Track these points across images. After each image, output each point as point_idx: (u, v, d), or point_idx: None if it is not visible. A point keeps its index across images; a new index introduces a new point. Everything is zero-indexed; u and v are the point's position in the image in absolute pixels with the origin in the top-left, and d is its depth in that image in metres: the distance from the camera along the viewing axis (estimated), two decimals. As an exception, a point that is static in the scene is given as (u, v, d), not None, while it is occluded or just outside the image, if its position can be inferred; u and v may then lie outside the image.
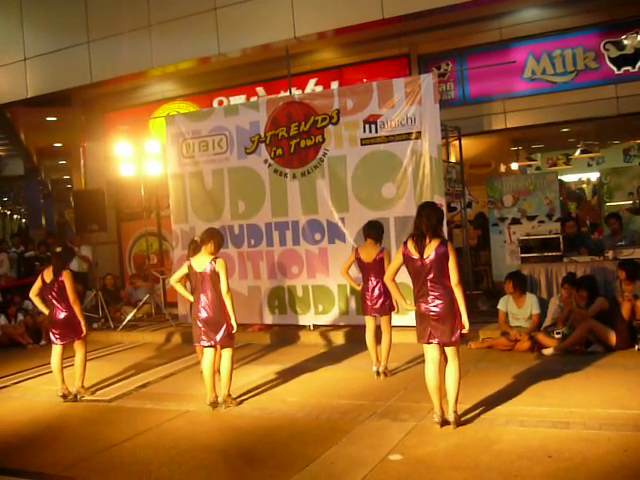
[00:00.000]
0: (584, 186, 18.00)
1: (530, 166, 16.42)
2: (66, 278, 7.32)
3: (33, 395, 7.83)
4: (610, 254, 8.80)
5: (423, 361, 5.66)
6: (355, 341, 8.78)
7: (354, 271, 7.68)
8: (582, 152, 15.57)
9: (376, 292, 7.27)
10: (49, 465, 5.38)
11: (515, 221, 10.89)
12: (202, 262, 6.55)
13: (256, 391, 7.12)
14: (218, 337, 6.49)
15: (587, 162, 17.59)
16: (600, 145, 16.21)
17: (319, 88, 12.06)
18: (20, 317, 11.44)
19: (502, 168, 14.57)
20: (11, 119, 16.11)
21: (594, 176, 16.83)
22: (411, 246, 5.43)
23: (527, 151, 16.16)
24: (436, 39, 11.36)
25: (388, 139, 9.25)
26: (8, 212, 46.53)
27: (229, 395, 6.62)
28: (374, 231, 7.40)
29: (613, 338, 7.63)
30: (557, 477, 4.36)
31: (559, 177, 12.19)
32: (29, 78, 13.07)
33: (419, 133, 9.03)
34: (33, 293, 7.52)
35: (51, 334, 7.48)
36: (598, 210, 11.93)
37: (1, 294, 12.45)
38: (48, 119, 16.19)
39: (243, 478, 4.84)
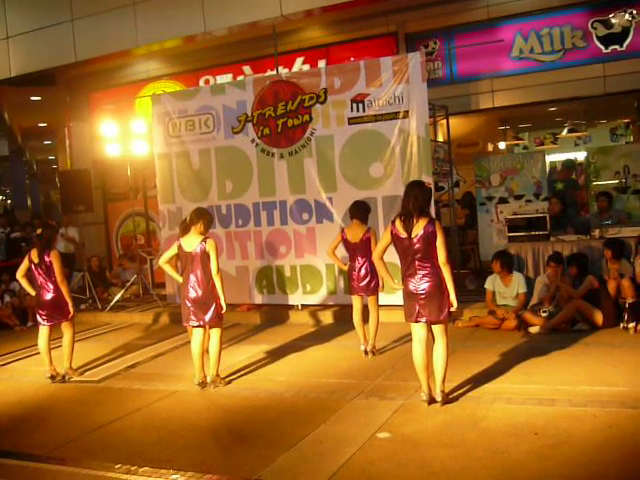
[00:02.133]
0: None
1: (517, 145, 16.41)
2: (54, 258, 7.27)
3: (21, 376, 7.82)
4: (597, 233, 8.84)
5: (410, 340, 5.69)
6: (343, 320, 8.81)
7: (341, 251, 7.69)
8: (569, 131, 15.56)
9: (363, 272, 7.28)
10: (38, 446, 5.38)
11: (502, 200, 10.92)
12: (192, 242, 6.53)
13: (245, 371, 7.14)
14: (207, 317, 6.49)
15: (574, 141, 17.58)
16: (587, 124, 16.21)
17: (306, 67, 11.98)
18: (7, 299, 11.39)
19: (490, 147, 14.57)
20: (-6, 99, 15.95)
21: (581, 155, 16.85)
22: (399, 225, 5.44)
23: (514, 130, 16.14)
24: (424, 17, 11.29)
25: (376, 118, 9.22)
26: (-7, 193, 46.15)
27: (218, 375, 6.63)
28: (360, 211, 7.39)
29: (600, 317, 7.69)
30: (543, 454, 4.41)
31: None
32: (12, 57, 12.91)
33: (407, 112, 9.00)
34: (20, 274, 7.47)
35: (38, 315, 7.45)
36: (584, 189, 11.98)
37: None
38: (32, 99, 16.03)
39: (232, 457, 4.86)
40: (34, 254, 7.36)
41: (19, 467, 5.00)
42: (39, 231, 7.54)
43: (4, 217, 16.27)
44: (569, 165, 13.64)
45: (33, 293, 7.48)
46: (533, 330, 7.82)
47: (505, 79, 10.95)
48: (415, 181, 5.94)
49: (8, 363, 8.58)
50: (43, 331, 7.41)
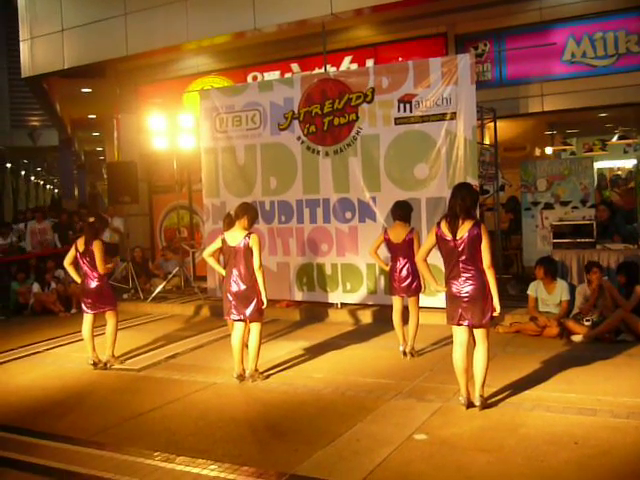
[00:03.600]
0: (619, 172, 17.71)
1: (565, 151, 16.18)
2: (95, 247, 7.39)
3: (65, 362, 7.99)
4: (645, 242, 8.67)
5: (450, 343, 5.66)
6: (383, 320, 8.79)
7: (383, 251, 7.67)
8: (619, 138, 15.27)
9: (404, 272, 7.25)
10: (79, 430, 5.49)
11: (548, 206, 10.74)
12: (236, 237, 6.60)
13: (283, 366, 7.18)
14: (248, 311, 6.54)
15: (623, 148, 17.24)
16: (638, 131, 15.90)
17: (354, 66, 11.97)
18: (52, 285, 11.64)
19: (537, 152, 14.38)
20: (47, 90, 16.28)
21: (630, 163, 16.54)
22: (444, 227, 5.41)
23: (562, 135, 15.91)
24: (474, 19, 11.18)
25: (422, 119, 9.16)
26: (41, 182, 47.23)
27: (256, 369, 6.69)
28: (402, 212, 7.34)
29: (645, 329, 7.52)
30: (583, 463, 4.35)
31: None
32: (66, 49, 13.20)
33: (454, 114, 8.93)
34: (67, 262, 7.63)
35: (83, 303, 7.60)
36: (633, 197, 11.72)
37: (36, 262, 12.66)
38: (83, 90, 16.34)
39: (268, 450, 4.89)
40: (80, 243, 7.51)
41: (60, 449, 5.11)
42: (91, 219, 7.69)
43: (53, 210, 16.59)
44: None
45: (79, 280, 7.63)
46: (576, 339, 7.70)
47: (556, 83, 10.77)
48: (463, 183, 5.90)
49: (52, 348, 8.77)
50: (87, 319, 7.56)
